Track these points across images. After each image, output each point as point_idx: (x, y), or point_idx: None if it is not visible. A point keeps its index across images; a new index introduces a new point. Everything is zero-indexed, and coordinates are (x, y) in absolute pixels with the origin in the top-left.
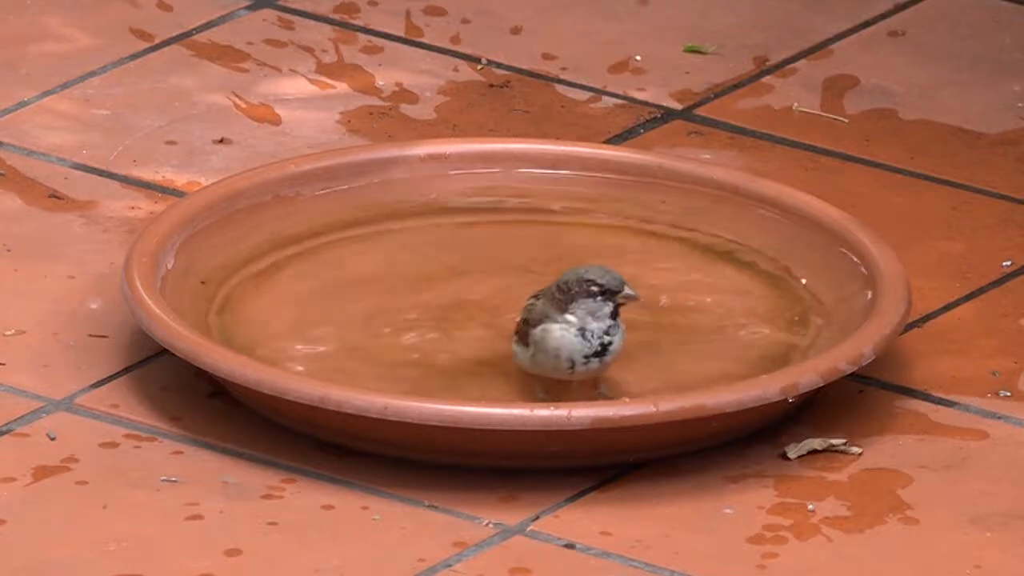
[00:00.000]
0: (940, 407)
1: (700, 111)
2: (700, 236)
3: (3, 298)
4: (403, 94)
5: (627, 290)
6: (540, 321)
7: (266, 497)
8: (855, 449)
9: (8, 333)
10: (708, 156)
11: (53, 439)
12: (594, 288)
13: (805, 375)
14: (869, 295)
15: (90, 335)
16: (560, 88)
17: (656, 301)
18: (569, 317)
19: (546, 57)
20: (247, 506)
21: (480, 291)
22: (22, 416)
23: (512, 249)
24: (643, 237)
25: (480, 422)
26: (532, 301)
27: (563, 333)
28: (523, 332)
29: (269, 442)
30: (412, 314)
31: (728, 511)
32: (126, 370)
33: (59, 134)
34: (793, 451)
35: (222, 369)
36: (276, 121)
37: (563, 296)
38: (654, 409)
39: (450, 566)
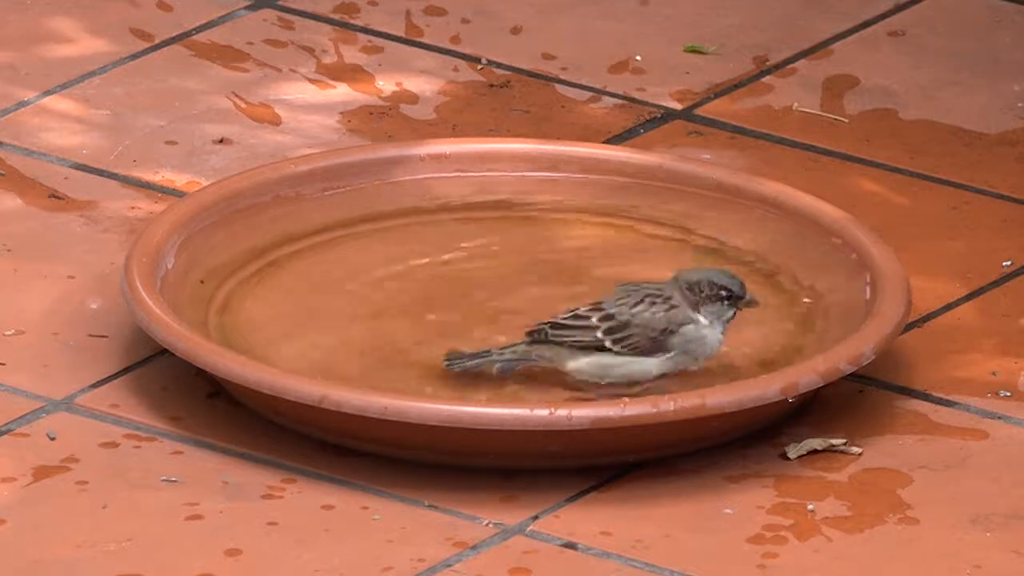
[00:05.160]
0: (940, 407)
1: (700, 111)
2: (700, 237)
3: (3, 298)
4: (403, 94)
5: (748, 296)
6: (682, 324)
7: (266, 497)
8: (855, 449)
9: (8, 333)
10: (708, 156)
11: (53, 439)
12: (723, 293)
13: (805, 375)
14: (869, 295)
15: (90, 335)
16: (560, 88)
17: None
18: (702, 318)
19: (546, 57)
20: (247, 506)
21: (480, 291)
22: (22, 416)
23: (512, 249)
24: (643, 237)
25: (480, 422)
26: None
27: (715, 335)
28: (645, 342)
29: (269, 442)
30: (412, 314)
31: (728, 511)
32: (126, 370)
33: (59, 134)
34: (793, 451)
35: (222, 369)
36: (276, 121)
37: (693, 296)
38: (653, 409)
39: (450, 566)
